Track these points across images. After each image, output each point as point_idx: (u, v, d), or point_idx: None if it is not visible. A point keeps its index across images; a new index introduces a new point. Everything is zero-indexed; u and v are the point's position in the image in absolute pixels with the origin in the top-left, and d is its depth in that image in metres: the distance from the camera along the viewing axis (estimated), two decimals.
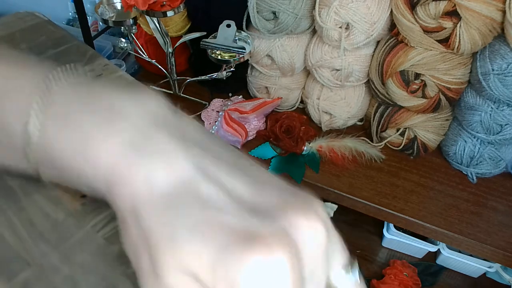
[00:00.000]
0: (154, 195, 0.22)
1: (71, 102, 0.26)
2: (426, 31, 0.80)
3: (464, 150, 0.93)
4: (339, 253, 0.23)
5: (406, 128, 0.97)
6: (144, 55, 1.03)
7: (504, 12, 0.74)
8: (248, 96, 1.10)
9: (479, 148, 0.91)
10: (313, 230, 0.21)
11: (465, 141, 0.92)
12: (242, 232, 0.21)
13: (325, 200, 0.89)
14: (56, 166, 0.26)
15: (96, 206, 0.31)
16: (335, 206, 0.53)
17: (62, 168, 0.25)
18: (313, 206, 0.22)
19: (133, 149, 0.23)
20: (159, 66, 1.04)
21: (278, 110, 1.07)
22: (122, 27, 0.97)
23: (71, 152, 0.24)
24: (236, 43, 0.92)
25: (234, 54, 0.91)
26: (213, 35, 0.93)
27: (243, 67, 1.05)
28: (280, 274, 0.20)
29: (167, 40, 0.98)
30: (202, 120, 1.04)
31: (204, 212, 0.22)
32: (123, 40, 1.36)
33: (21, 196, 0.31)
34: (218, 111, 1.04)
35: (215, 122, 1.01)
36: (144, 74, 1.19)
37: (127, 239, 0.23)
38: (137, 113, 0.24)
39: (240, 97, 1.07)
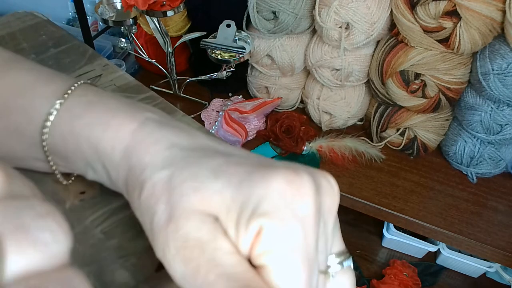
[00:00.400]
0: (176, 150, 0.23)
1: (96, 95, 0.27)
2: (426, 31, 0.80)
3: (464, 150, 0.93)
4: (338, 240, 0.23)
5: (406, 128, 0.97)
6: (144, 55, 1.03)
7: (504, 12, 0.74)
8: (248, 96, 1.10)
9: (479, 148, 0.91)
10: (330, 186, 0.21)
11: (465, 141, 0.92)
12: (266, 164, 0.21)
13: None
14: (68, 149, 0.27)
15: (95, 203, 0.31)
16: None
17: (77, 147, 0.26)
18: (328, 174, 0.22)
19: (156, 123, 0.25)
20: (159, 66, 1.04)
21: (278, 110, 1.07)
22: (122, 27, 0.97)
23: (91, 127, 0.26)
24: (236, 43, 0.92)
25: (234, 54, 0.91)
26: (213, 35, 0.93)
27: (243, 67, 1.05)
28: (304, 193, 0.20)
29: (167, 40, 0.98)
30: (202, 120, 1.04)
31: (225, 158, 0.22)
32: (123, 40, 1.36)
33: None
34: (218, 111, 1.04)
35: (215, 122, 1.01)
36: (144, 74, 1.19)
37: (141, 199, 0.23)
38: (153, 107, 0.27)
39: (240, 97, 1.07)
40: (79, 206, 0.30)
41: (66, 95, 0.27)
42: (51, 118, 0.27)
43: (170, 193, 0.21)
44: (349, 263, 0.23)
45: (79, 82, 0.28)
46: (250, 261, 0.20)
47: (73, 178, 0.31)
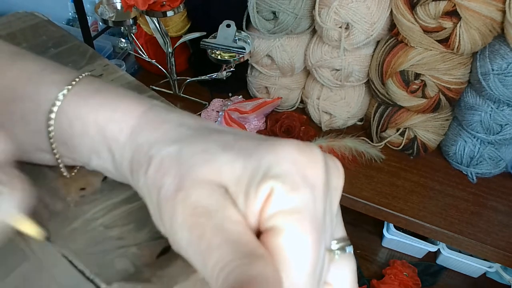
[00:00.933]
0: (184, 129, 0.24)
1: (103, 83, 0.28)
2: (426, 31, 0.80)
3: (464, 150, 0.93)
4: (340, 226, 0.23)
5: (406, 128, 0.97)
6: (144, 55, 1.03)
7: (504, 12, 0.74)
8: (248, 96, 1.10)
9: (479, 148, 0.91)
10: (336, 167, 0.22)
11: (465, 141, 0.92)
12: (273, 138, 0.21)
13: None
14: (74, 134, 0.27)
15: (95, 198, 0.31)
16: None
17: (83, 131, 0.27)
18: (335, 158, 0.23)
19: (163, 108, 0.26)
20: (159, 66, 1.04)
21: (278, 110, 1.07)
22: (122, 27, 0.97)
23: (99, 110, 0.26)
24: (236, 43, 0.92)
25: (234, 54, 0.91)
26: (213, 35, 0.93)
27: (243, 67, 1.05)
28: (315, 160, 0.20)
29: (167, 40, 0.98)
30: None
31: (232, 135, 0.23)
32: (123, 40, 1.36)
33: None
34: (218, 111, 1.04)
35: (215, 122, 1.02)
36: (144, 74, 1.19)
37: (147, 175, 0.23)
38: (160, 98, 0.28)
39: (240, 97, 1.08)
40: (79, 201, 0.31)
41: (73, 82, 0.27)
42: (58, 103, 0.27)
43: (179, 166, 0.22)
44: (350, 249, 0.23)
45: (84, 74, 0.28)
46: (258, 232, 0.20)
47: (75, 171, 0.31)
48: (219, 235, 0.19)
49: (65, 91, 0.27)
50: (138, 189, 0.25)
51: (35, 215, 0.29)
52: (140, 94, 0.29)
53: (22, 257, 0.27)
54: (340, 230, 0.23)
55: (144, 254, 0.27)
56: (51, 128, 0.27)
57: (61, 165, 0.30)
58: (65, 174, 0.31)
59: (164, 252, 0.28)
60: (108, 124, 0.26)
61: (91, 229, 0.29)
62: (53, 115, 0.27)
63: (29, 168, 0.32)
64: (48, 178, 0.32)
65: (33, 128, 0.28)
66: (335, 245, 0.22)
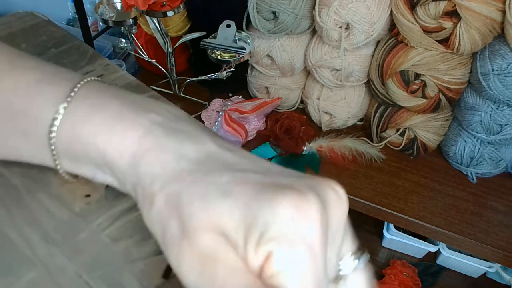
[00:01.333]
0: (184, 163, 0.23)
1: (99, 96, 0.27)
2: (426, 31, 0.80)
3: (464, 150, 0.93)
4: (349, 240, 0.23)
5: (406, 128, 0.97)
6: (144, 55, 1.03)
7: (504, 12, 0.74)
8: (248, 96, 1.10)
9: (479, 148, 0.91)
10: (338, 197, 0.22)
11: (465, 141, 0.92)
12: (272, 184, 0.21)
13: None
14: (76, 153, 0.27)
15: (100, 206, 0.31)
16: None
17: (84, 152, 0.26)
18: (335, 183, 0.23)
19: (162, 128, 0.25)
20: (159, 66, 1.04)
21: (278, 110, 1.07)
22: (122, 27, 0.97)
23: (97, 133, 0.26)
24: (236, 43, 0.92)
25: (234, 54, 0.91)
26: (213, 35, 0.93)
27: (243, 67, 1.05)
28: (311, 217, 0.20)
29: (167, 40, 0.98)
30: (202, 120, 1.04)
31: (233, 173, 0.23)
32: (123, 40, 1.36)
33: (25, 194, 0.31)
34: (218, 111, 1.04)
35: (215, 122, 1.01)
36: (144, 74, 1.19)
37: (151, 212, 0.23)
38: (159, 106, 0.26)
39: (240, 97, 1.08)
40: (85, 209, 0.30)
41: (69, 99, 0.27)
42: (56, 123, 0.27)
43: (180, 211, 0.22)
44: (362, 262, 0.23)
45: (83, 81, 0.28)
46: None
47: (79, 177, 0.31)
48: (227, 285, 0.20)
49: (61, 110, 0.27)
50: (144, 218, 0.25)
51: (40, 224, 0.29)
52: (141, 94, 0.28)
53: (29, 265, 0.27)
54: (349, 245, 0.23)
55: (152, 270, 0.28)
56: (53, 147, 0.27)
57: (66, 177, 0.30)
58: (70, 180, 0.31)
59: (169, 269, 0.28)
60: (107, 149, 0.26)
61: (97, 241, 0.29)
62: (53, 135, 0.27)
63: (33, 174, 0.32)
64: (53, 185, 0.31)
65: (35, 143, 0.28)
66: (346, 262, 0.23)
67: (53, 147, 0.27)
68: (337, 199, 0.22)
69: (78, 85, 0.27)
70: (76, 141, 0.27)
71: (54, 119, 0.27)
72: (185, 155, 0.24)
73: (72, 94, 0.27)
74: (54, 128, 0.27)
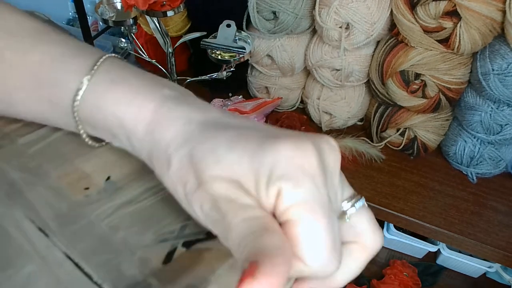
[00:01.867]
0: (193, 125, 0.27)
1: (119, 70, 0.30)
2: (426, 31, 0.80)
3: (464, 150, 0.93)
4: (346, 187, 0.26)
5: (406, 128, 0.97)
6: (144, 55, 1.03)
7: (504, 12, 0.74)
8: (248, 96, 1.10)
9: (479, 148, 0.91)
10: (330, 145, 0.25)
11: (465, 141, 0.92)
12: (273, 135, 0.24)
13: None
14: (97, 121, 0.30)
15: (100, 198, 0.31)
16: None
17: (104, 121, 0.29)
18: (328, 136, 0.26)
19: (173, 100, 0.28)
20: (159, 66, 1.04)
21: (278, 110, 1.07)
22: (122, 27, 0.97)
23: (117, 104, 0.29)
24: (236, 43, 0.92)
25: (234, 54, 0.91)
26: (213, 35, 0.93)
27: (243, 67, 1.05)
28: (309, 153, 0.23)
29: (167, 40, 0.98)
30: None
31: (237, 130, 0.26)
32: (123, 40, 1.36)
33: (24, 187, 0.31)
34: None
35: None
36: None
37: (170, 173, 0.26)
38: (171, 83, 0.30)
39: (240, 97, 1.07)
40: (83, 201, 0.31)
41: (92, 71, 0.30)
42: (80, 93, 0.29)
43: (195, 166, 0.25)
44: (361, 203, 0.26)
45: (104, 57, 0.30)
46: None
47: (103, 144, 0.33)
48: (237, 216, 0.23)
49: (85, 81, 0.29)
50: (162, 179, 0.28)
51: (38, 215, 0.29)
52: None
53: (27, 259, 0.27)
54: (347, 191, 0.26)
55: (151, 258, 0.28)
56: (75, 114, 0.30)
57: (88, 140, 0.33)
58: (95, 145, 0.33)
59: (169, 257, 0.28)
60: (125, 118, 0.28)
61: (96, 230, 0.29)
62: (76, 103, 0.30)
63: (32, 168, 0.32)
64: (52, 178, 0.32)
65: (60, 111, 0.31)
66: (346, 205, 0.26)
67: (76, 114, 0.30)
68: (330, 147, 0.25)
69: (101, 60, 0.30)
70: (97, 110, 0.29)
71: (78, 89, 0.29)
72: (194, 119, 0.27)
73: (95, 67, 0.30)
74: (78, 98, 0.29)
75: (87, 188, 0.31)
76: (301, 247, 0.22)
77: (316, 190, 0.23)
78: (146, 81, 0.30)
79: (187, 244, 0.29)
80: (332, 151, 0.25)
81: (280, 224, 0.23)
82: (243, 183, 0.24)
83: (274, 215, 0.24)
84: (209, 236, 0.29)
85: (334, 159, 0.24)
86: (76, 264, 0.27)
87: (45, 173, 0.32)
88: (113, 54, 0.31)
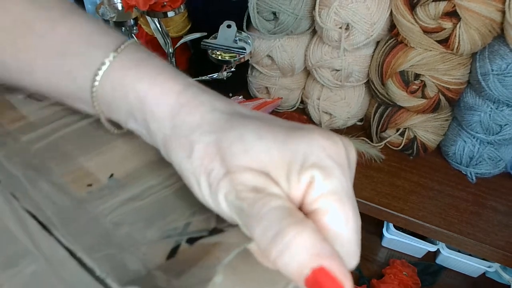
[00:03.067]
0: (218, 114, 0.27)
1: (144, 53, 0.31)
2: (426, 31, 0.80)
3: (464, 150, 0.93)
4: None
5: (405, 128, 0.97)
6: None
7: (503, 12, 0.74)
8: (248, 96, 1.10)
9: (478, 148, 0.91)
10: (351, 144, 0.26)
11: (465, 141, 0.92)
12: (298, 127, 0.25)
13: None
14: (115, 98, 0.30)
15: (103, 194, 0.31)
16: None
17: (124, 98, 0.29)
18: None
19: (197, 87, 0.29)
20: None
21: (278, 110, 1.07)
22: (123, 28, 0.97)
23: (141, 82, 0.29)
24: (237, 43, 0.92)
25: (235, 54, 0.92)
26: (213, 35, 0.93)
27: (244, 67, 1.05)
28: (339, 146, 0.24)
29: (168, 40, 0.98)
30: None
31: (260, 121, 0.26)
32: None
33: (27, 184, 0.31)
34: None
35: None
36: None
37: (192, 159, 0.26)
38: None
39: (240, 97, 1.08)
40: (86, 197, 0.31)
41: (119, 49, 0.30)
42: (104, 67, 0.29)
43: (223, 154, 0.25)
44: None
45: (131, 40, 0.31)
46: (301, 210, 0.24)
47: (124, 130, 0.33)
48: (266, 205, 0.23)
49: (111, 57, 0.29)
50: (178, 166, 0.27)
51: (41, 212, 0.29)
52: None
53: (30, 258, 0.27)
54: None
55: (154, 253, 0.28)
56: (94, 89, 0.30)
57: (105, 123, 0.32)
58: (112, 130, 0.33)
59: (173, 252, 0.28)
60: (147, 97, 0.28)
61: (99, 226, 0.29)
62: (98, 77, 0.30)
63: (33, 165, 0.32)
64: (55, 175, 0.32)
65: (79, 83, 0.31)
66: None
67: (94, 89, 0.30)
68: (350, 144, 0.26)
69: (127, 42, 0.31)
70: (118, 87, 0.29)
71: (102, 64, 0.29)
72: (218, 108, 0.27)
73: (122, 46, 0.30)
74: (100, 72, 0.29)
75: (90, 185, 0.31)
76: (328, 237, 0.23)
77: (345, 182, 0.24)
78: (171, 68, 0.30)
79: (191, 241, 0.28)
80: (352, 148, 0.26)
81: (306, 215, 0.23)
82: (271, 172, 0.24)
83: (299, 208, 0.24)
84: (213, 233, 0.29)
85: (354, 155, 0.26)
86: (79, 259, 0.27)
87: (48, 170, 0.32)
88: (137, 41, 0.32)
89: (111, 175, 0.32)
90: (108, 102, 0.30)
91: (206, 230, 0.29)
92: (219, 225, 0.29)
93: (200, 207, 0.28)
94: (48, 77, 0.32)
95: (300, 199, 0.24)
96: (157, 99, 0.28)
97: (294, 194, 0.24)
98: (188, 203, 0.30)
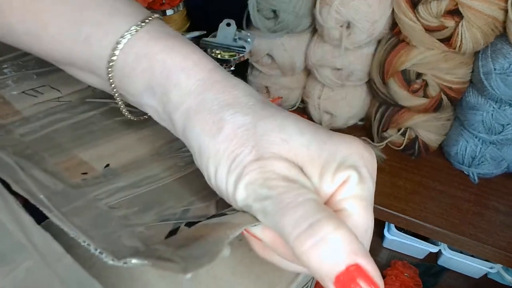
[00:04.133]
0: (253, 99, 0.26)
1: (170, 29, 0.29)
2: (428, 30, 0.79)
3: (466, 150, 0.92)
4: None
5: (407, 128, 0.96)
6: None
7: (506, 11, 0.74)
8: None
9: (480, 148, 0.90)
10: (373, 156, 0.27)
11: (467, 141, 0.91)
12: (332, 131, 0.25)
13: None
14: (135, 68, 0.28)
15: (98, 181, 0.30)
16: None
17: (147, 68, 0.27)
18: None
19: (226, 72, 0.27)
20: None
21: None
22: None
23: (170, 52, 0.27)
24: (236, 42, 0.92)
25: (234, 53, 0.91)
26: (213, 34, 0.92)
27: (243, 66, 1.04)
28: (373, 155, 0.26)
29: None
30: None
31: (294, 116, 0.26)
32: None
33: (19, 171, 0.30)
34: None
35: None
36: None
37: (219, 138, 0.25)
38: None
39: None
40: (81, 183, 0.30)
41: (147, 20, 0.28)
42: (128, 36, 0.28)
43: (258, 139, 0.24)
44: None
45: (156, 14, 0.30)
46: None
47: (142, 118, 0.32)
48: (302, 196, 0.22)
49: (137, 27, 0.28)
50: (189, 140, 0.26)
51: (35, 196, 0.28)
52: None
53: (26, 254, 0.26)
54: None
55: (152, 234, 0.27)
56: (114, 58, 0.28)
57: (116, 97, 0.30)
58: (127, 115, 0.32)
59: (173, 233, 0.27)
60: (176, 69, 0.27)
61: (94, 208, 0.28)
62: (120, 46, 0.28)
63: (26, 154, 0.31)
64: (48, 163, 0.31)
65: (94, 52, 0.29)
66: None
67: (114, 57, 0.28)
68: (373, 157, 0.27)
69: (153, 15, 0.29)
70: (143, 56, 0.27)
71: (127, 32, 0.28)
72: (253, 94, 0.26)
73: (150, 18, 0.29)
74: (123, 41, 0.28)
75: (85, 173, 0.31)
76: None
77: (372, 189, 0.25)
78: (199, 48, 0.29)
79: (190, 224, 0.27)
80: (375, 159, 0.27)
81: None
82: (306, 167, 0.24)
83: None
84: (214, 218, 0.28)
85: (375, 169, 0.27)
86: (74, 238, 0.26)
87: (41, 159, 0.31)
88: (161, 17, 0.31)
89: (107, 165, 0.32)
90: (125, 74, 0.29)
91: (204, 217, 0.28)
92: (219, 212, 0.28)
93: (199, 197, 0.28)
94: (61, 43, 0.30)
95: (328, 197, 0.24)
96: (189, 71, 0.26)
97: (324, 191, 0.24)
98: (187, 192, 0.30)
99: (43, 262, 0.26)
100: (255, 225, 0.24)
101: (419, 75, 0.86)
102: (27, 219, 0.28)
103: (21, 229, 0.27)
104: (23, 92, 0.38)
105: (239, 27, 0.94)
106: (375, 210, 0.89)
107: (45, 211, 0.27)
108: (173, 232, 0.27)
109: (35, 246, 0.27)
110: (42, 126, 0.34)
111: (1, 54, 0.42)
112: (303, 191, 0.23)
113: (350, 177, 0.23)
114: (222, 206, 0.28)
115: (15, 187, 0.28)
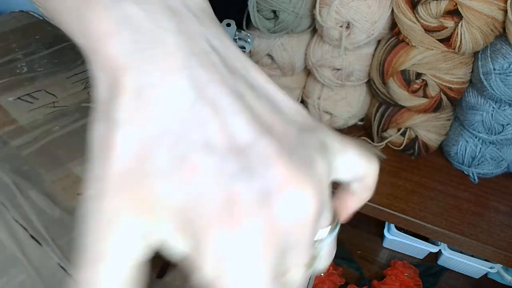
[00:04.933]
0: None
1: None
2: (427, 30, 0.79)
3: (466, 150, 0.92)
4: (327, 211, 0.24)
5: (407, 128, 0.96)
6: None
7: (505, 11, 0.74)
8: None
9: (480, 148, 0.90)
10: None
11: (467, 141, 0.91)
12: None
13: None
14: None
15: None
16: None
17: None
18: None
19: None
20: None
21: None
22: None
23: None
24: (236, 42, 0.92)
25: None
26: None
27: None
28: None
29: None
30: None
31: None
32: None
33: (16, 193, 0.30)
34: None
35: None
36: None
37: None
38: None
39: None
40: (77, 208, 0.30)
41: None
42: None
43: None
44: (336, 229, 0.27)
45: None
46: None
47: None
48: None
49: None
50: None
51: (31, 223, 0.28)
52: None
53: (20, 267, 0.27)
54: (326, 214, 0.27)
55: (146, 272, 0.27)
56: None
57: None
58: None
59: (163, 269, 0.27)
60: None
61: None
62: None
63: (24, 171, 0.31)
64: (46, 182, 0.31)
65: None
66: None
67: None
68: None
69: None
70: None
71: None
72: None
73: None
74: None
75: (80, 194, 0.31)
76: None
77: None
78: None
79: None
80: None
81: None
82: None
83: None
84: None
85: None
86: (69, 274, 0.26)
87: (38, 177, 0.31)
88: None
89: None
90: None
91: None
92: None
93: None
94: None
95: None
96: None
97: None
98: None
99: (37, 277, 0.26)
100: None
101: (418, 75, 0.86)
102: (22, 233, 0.28)
103: (16, 243, 0.28)
104: (18, 98, 0.38)
105: (239, 27, 0.94)
106: (375, 210, 0.90)
107: (44, 244, 0.27)
108: (163, 267, 0.27)
109: (29, 260, 0.27)
110: (37, 138, 0.35)
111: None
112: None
113: (356, 191, 0.28)
114: None
115: (13, 213, 0.28)
